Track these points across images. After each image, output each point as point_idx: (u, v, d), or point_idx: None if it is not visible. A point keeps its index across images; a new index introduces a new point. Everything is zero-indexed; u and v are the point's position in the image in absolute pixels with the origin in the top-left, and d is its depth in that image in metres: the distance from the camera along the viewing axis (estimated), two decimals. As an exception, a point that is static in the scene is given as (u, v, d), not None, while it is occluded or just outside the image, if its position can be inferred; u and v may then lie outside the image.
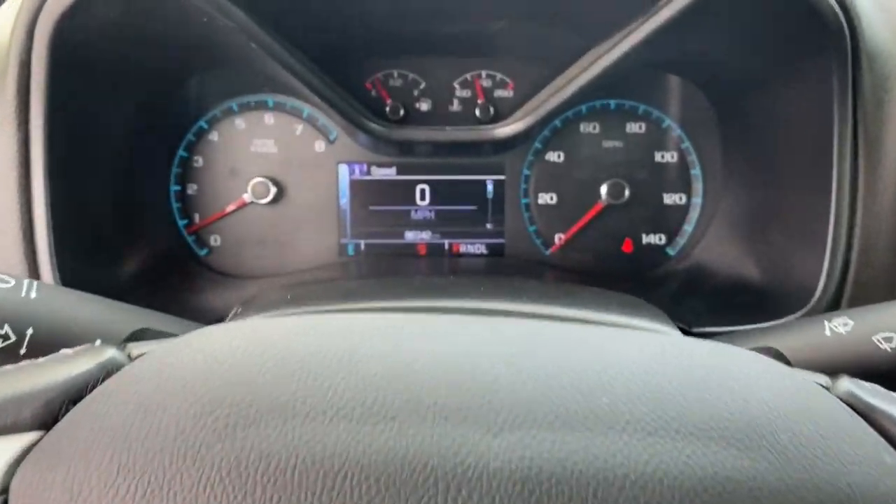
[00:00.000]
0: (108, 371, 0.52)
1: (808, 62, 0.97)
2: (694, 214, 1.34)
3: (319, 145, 1.33)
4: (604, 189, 1.32)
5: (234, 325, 0.52)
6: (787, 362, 0.81)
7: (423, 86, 1.33)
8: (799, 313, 0.99)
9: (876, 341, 0.74)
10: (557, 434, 0.43)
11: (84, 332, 0.73)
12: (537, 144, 1.34)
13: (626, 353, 0.51)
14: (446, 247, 1.36)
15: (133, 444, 0.41)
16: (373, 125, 1.19)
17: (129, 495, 0.39)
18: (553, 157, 1.35)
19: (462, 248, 1.36)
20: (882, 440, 0.47)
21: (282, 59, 1.03)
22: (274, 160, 1.32)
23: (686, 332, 1.00)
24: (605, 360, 0.50)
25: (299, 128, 1.32)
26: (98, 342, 0.56)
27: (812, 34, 0.93)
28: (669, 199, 1.35)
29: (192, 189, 1.32)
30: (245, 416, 0.43)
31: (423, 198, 1.34)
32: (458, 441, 0.42)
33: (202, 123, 1.31)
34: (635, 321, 0.80)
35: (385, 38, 1.24)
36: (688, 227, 1.35)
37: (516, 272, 1.31)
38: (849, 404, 0.51)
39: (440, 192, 1.34)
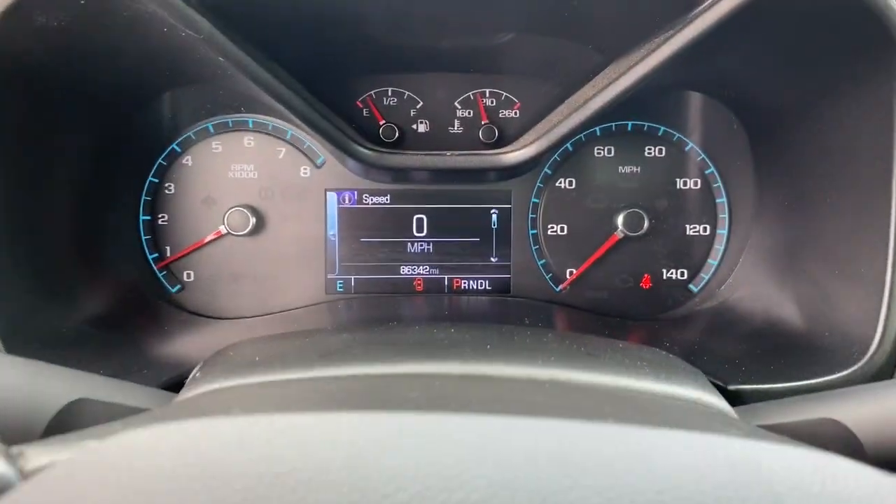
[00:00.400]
0: None
1: (866, 78, 0.84)
2: (719, 247, 1.21)
3: (305, 171, 1.20)
4: (620, 219, 1.19)
5: (159, 434, 0.38)
6: (856, 440, 0.67)
7: (420, 105, 1.20)
8: (852, 369, 0.85)
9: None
10: None
11: (6, 407, 0.60)
12: (546, 170, 1.21)
13: (695, 476, 0.38)
14: (446, 283, 1.23)
15: None
16: (363, 150, 1.06)
17: None
18: (564, 183, 1.22)
19: (464, 285, 1.23)
20: None
21: (256, 75, 0.90)
22: (254, 187, 1.19)
23: (722, 390, 0.86)
24: (672, 487, 0.36)
25: (282, 151, 1.19)
26: (-6, 443, 0.43)
27: (873, 47, 0.80)
28: (692, 230, 1.22)
29: (162, 219, 1.19)
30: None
31: (420, 229, 1.21)
32: None
33: (175, 146, 1.18)
34: (675, 389, 0.66)
35: (378, 52, 1.12)
36: (713, 262, 1.22)
37: (524, 313, 1.18)
38: None
39: (439, 223, 1.22)
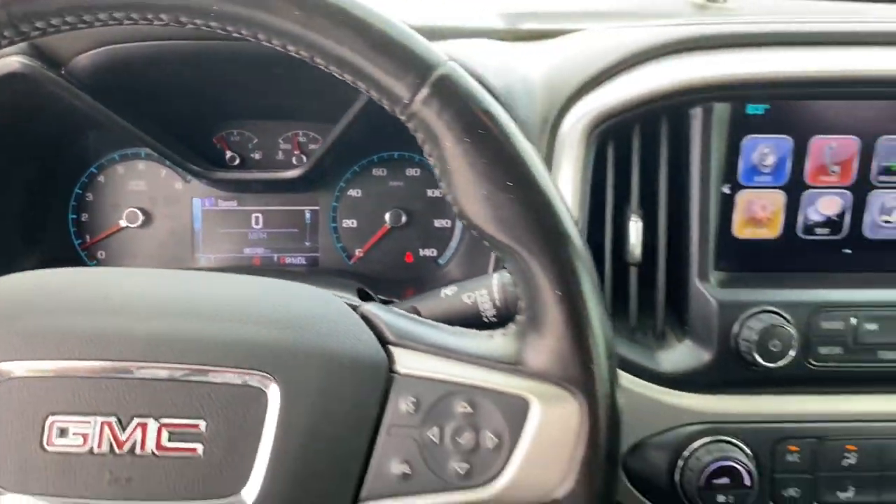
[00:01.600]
0: None
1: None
2: (457, 233, 1.82)
3: (178, 185, 1.79)
4: (388, 216, 1.79)
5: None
6: (419, 313, 1.28)
7: (255, 141, 1.79)
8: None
9: (463, 298, 1.22)
10: (179, 320, 0.88)
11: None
12: (342, 183, 1.81)
13: (242, 289, 0.96)
14: (275, 260, 1.83)
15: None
16: (200, 170, 1.66)
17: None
18: (354, 192, 1.81)
19: (287, 261, 1.83)
20: (367, 327, 0.90)
21: (126, 129, 1.51)
22: (145, 195, 1.76)
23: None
24: (221, 290, 0.95)
25: (163, 172, 1.78)
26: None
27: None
28: (438, 223, 1.82)
29: (84, 217, 1.78)
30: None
31: (257, 223, 1.80)
32: (122, 325, 0.87)
33: (93, 169, 1.77)
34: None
35: (225, 107, 1.73)
36: (453, 244, 1.83)
37: (327, 279, 1.78)
38: (360, 314, 0.95)
39: (271, 219, 1.79)
